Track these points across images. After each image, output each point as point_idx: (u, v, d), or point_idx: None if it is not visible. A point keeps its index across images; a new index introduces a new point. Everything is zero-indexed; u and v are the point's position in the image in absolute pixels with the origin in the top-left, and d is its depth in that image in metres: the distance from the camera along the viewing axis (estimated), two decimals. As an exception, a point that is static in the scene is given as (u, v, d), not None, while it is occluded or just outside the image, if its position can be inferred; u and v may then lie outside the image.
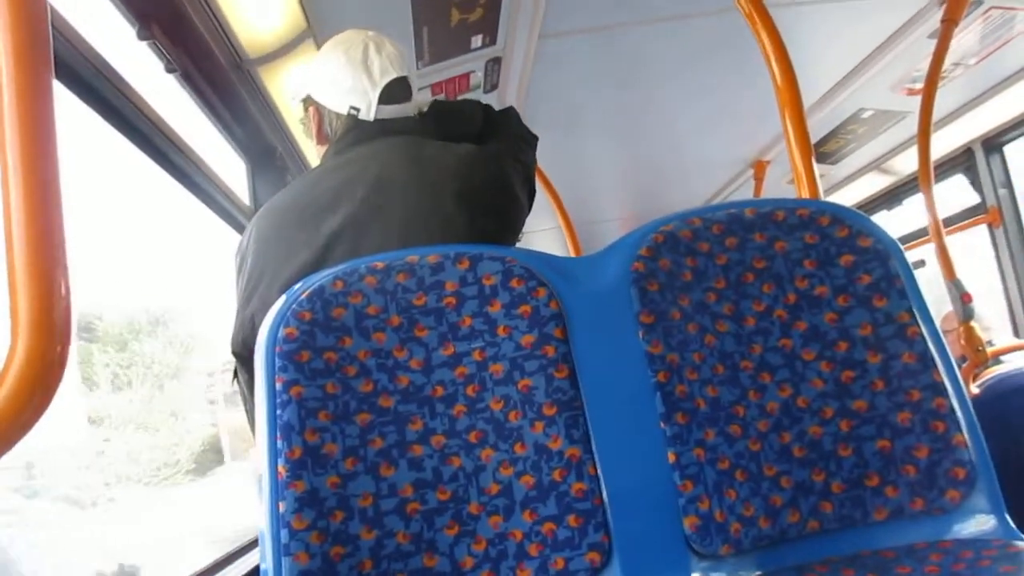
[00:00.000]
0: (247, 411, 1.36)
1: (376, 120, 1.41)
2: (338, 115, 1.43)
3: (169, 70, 1.73)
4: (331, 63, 1.44)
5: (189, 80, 1.86)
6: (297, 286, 1.06)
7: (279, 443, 0.97)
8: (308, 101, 1.48)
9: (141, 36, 1.60)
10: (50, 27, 0.67)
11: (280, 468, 0.96)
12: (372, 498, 0.97)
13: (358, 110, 1.41)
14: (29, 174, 0.63)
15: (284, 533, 0.94)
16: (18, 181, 0.62)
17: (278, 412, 0.98)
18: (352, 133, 1.41)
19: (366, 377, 1.02)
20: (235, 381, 1.41)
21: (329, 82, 1.43)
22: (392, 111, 1.42)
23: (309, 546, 0.93)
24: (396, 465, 0.99)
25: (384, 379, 1.02)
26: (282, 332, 1.01)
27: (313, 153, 2.59)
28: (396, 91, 1.43)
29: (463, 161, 1.37)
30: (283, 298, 1.05)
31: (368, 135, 1.40)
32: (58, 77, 0.69)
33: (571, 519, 0.99)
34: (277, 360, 1.00)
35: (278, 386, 0.99)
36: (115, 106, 1.56)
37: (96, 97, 1.50)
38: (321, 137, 1.47)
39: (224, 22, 1.81)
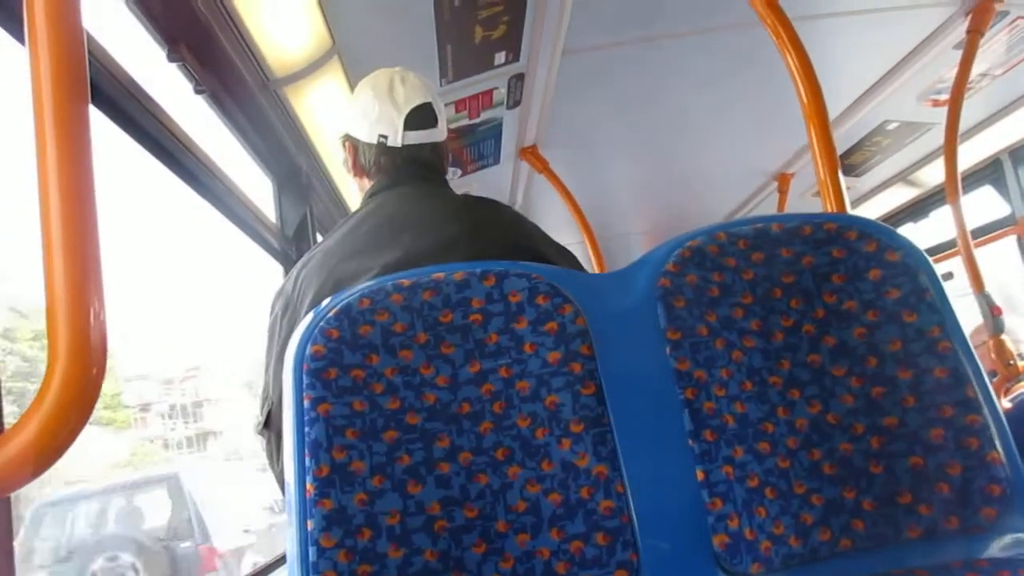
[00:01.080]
0: (275, 473, 1.37)
1: (405, 162, 1.46)
2: (369, 145, 1.49)
3: (198, 91, 1.76)
4: (361, 99, 1.51)
5: (217, 100, 1.89)
6: (324, 303, 1.07)
7: (307, 461, 0.97)
8: (345, 138, 1.54)
9: (171, 58, 1.63)
10: (87, 54, 0.68)
11: (308, 486, 0.96)
12: (399, 516, 0.97)
13: (386, 137, 1.47)
14: (67, 200, 0.64)
15: (312, 551, 0.94)
16: (56, 205, 0.64)
17: (306, 430, 0.98)
18: (384, 177, 1.47)
19: (393, 394, 1.02)
20: (262, 435, 1.41)
21: (361, 116, 1.50)
22: (418, 136, 1.47)
23: (337, 564, 0.93)
24: (423, 482, 0.99)
25: (411, 396, 1.03)
26: (310, 350, 1.02)
27: (339, 172, 2.63)
28: (421, 117, 1.48)
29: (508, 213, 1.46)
30: (311, 315, 1.06)
31: (399, 180, 1.46)
32: (92, 101, 0.71)
33: (599, 537, 0.98)
34: (305, 378, 1.01)
35: (305, 404, 1.00)
36: (145, 127, 1.59)
37: (127, 119, 1.53)
38: (357, 170, 1.53)
39: (251, 43, 1.83)
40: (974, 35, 2.37)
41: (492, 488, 1.00)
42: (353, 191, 1.57)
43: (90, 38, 1.31)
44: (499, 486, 1.00)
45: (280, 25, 1.86)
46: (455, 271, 1.09)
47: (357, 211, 1.46)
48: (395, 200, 1.41)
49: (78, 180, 0.65)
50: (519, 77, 2.47)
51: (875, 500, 1.02)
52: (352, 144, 1.52)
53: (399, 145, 1.46)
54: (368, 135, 1.48)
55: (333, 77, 2.10)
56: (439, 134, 1.50)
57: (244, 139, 2.14)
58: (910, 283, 1.10)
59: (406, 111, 1.46)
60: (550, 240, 1.44)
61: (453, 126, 2.62)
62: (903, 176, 3.87)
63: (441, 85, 2.34)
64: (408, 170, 1.46)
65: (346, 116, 1.54)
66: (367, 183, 1.51)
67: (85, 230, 0.65)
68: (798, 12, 1.74)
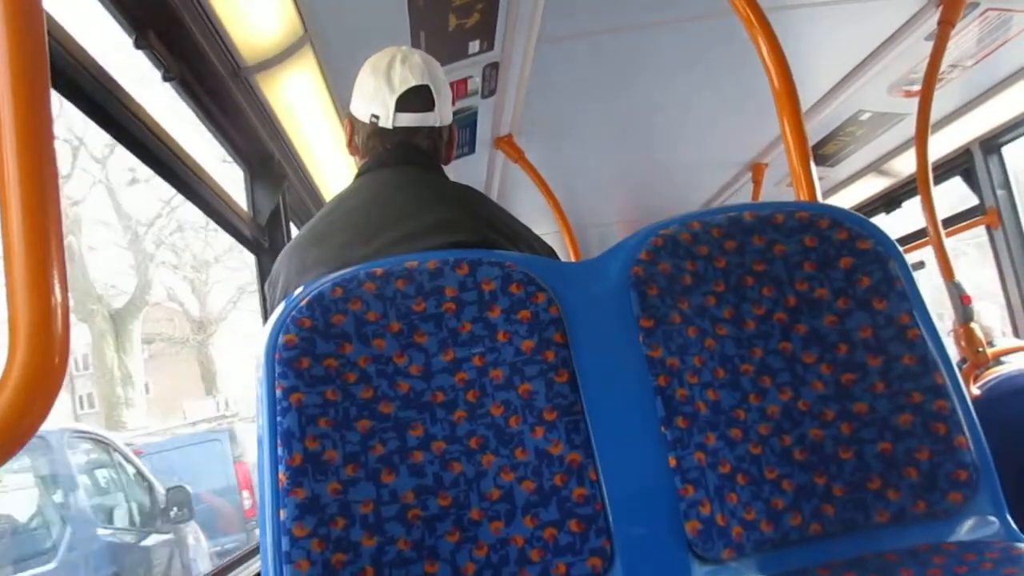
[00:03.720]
0: None
1: (396, 145, 1.44)
2: (363, 124, 1.47)
3: (166, 78, 1.73)
4: (361, 76, 1.49)
5: (186, 88, 1.86)
6: (296, 292, 1.06)
7: (279, 450, 0.97)
8: (348, 115, 1.52)
9: (138, 45, 1.60)
10: (47, 36, 0.66)
11: (281, 475, 0.96)
12: (373, 504, 0.97)
13: (378, 117, 1.44)
14: (27, 184, 0.63)
15: (285, 541, 0.93)
16: (16, 191, 0.62)
17: (278, 419, 0.98)
18: (371, 158, 1.45)
19: (366, 383, 1.02)
20: None
21: (358, 93, 1.48)
22: (411, 119, 1.44)
23: (310, 553, 0.93)
24: (397, 471, 0.99)
25: (384, 385, 1.02)
26: (282, 339, 1.01)
27: (312, 159, 2.60)
28: (415, 100, 1.44)
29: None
30: (282, 305, 1.05)
31: (384, 162, 1.44)
32: (55, 86, 0.69)
33: (572, 524, 0.98)
34: (277, 367, 1.00)
35: (278, 393, 0.99)
36: (113, 114, 1.56)
37: (94, 105, 1.50)
38: (352, 148, 1.52)
39: (221, 29, 1.81)
40: (945, 26, 2.39)
41: (466, 476, 1.00)
42: (328, 178, 1.56)
43: (54, 23, 1.28)
44: (473, 474, 1.00)
45: (251, 12, 1.84)
46: (428, 259, 1.08)
47: (340, 192, 1.45)
48: (375, 184, 1.40)
49: (39, 166, 0.64)
50: (494, 66, 2.46)
51: (845, 485, 1.03)
52: (350, 121, 1.51)
53: (390, 127, 1.43)
54: (363, 114, 1.46)
55: (306, 65, 2.07)
56: (436, 118, 1.46)
57: (215, 127, 2.11)
58: (880, 271, 1.11)
59: (400, 92, 1.43)
60: (526, 229, 1.44)
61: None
62: (876, 166, 3.90)
63: (415, 73, 2.32)
64: (397, 153, 1.43)
65: (353, 93, 1.52)
66: (360, 160, 1.50)
67: (46, 216, 0.63)
68: (772, 2, 1.75)
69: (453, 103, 2.62)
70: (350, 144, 1.52)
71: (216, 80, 1.92)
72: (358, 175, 1.45)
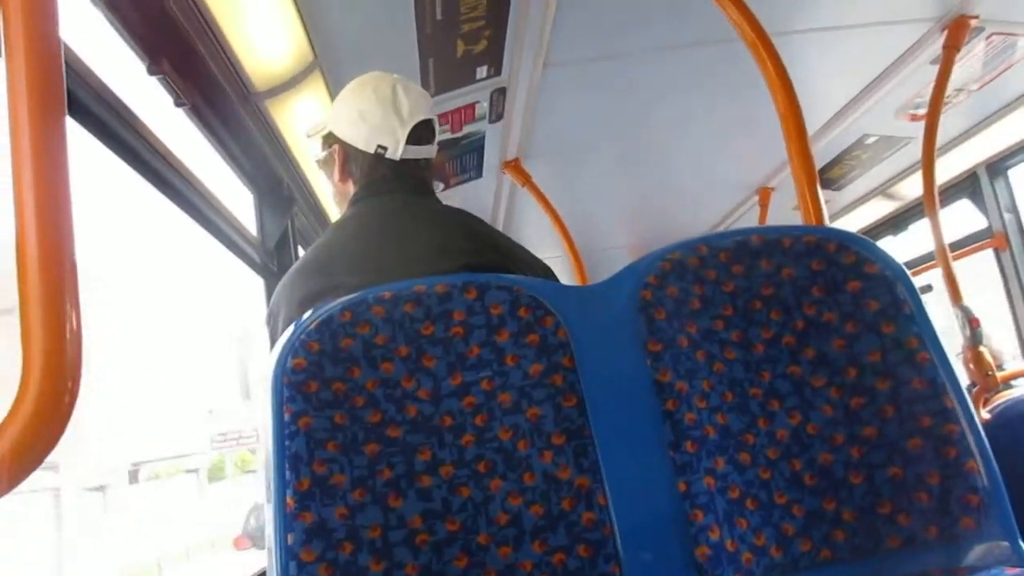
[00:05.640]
0: None
1: (398, 173, 1.43)
2: (364, 153, 1.44)
3: (178, 104, 1.75)
4: (359, 101, 1.45)
5: (198, 114, 1.87)
6: (306, 316, 1.07)
7: (287, 474, 0.97)
8: (330, 138, 1.48)
9: (151, 71, 1.62)
10: (63, 65, 0.68)
11: (288, 500, 0.96)
12: (381, 529, 0.96)
13: (385, 149, 1.42)
14: (43, 212, 0.63)
15: (293, 566, 0.93)
16: (32, 218, 0.63)
17: (286, 443, 0.98)
18: (369, 184, 1.44)
19: (374, 407, 1.02)
20: None
21: (357, 118, 1.44)
22: (416, 152, 1.44)
23: None
24: (405, 496, 0.99)
25: (392, 409, 1.02)
26: (290, 362, 1.01)
27: (319, 184, 2.62)
28: (422, 133, 1.45)
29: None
30: (291, 328, 1.06)
31: (383, 189, 1.43)
32: (70, 113, 0.70)
33: (581, 549, 0.98)
34: (285, 391, 1.00)
35: (286, 417, 0.99)
36: (126, 141, 1.57)
37: (107, 132, 1.51)
38: (344, 175, 1.49)
39: (233, 56, 1.83)
40: (950, 51, 2.40)
41: (474, 501, 1.00)
42: (336, 203, 1.56)
43: (69, 50, 1.30)
44: (481, 499, 1.00)
45: (262, 38, 1.86)
46: (437, 283, 1.09)
47: (338, 221, 1.45)
48: (378, 210, 1.39)
49: (54, 191, 0.65)
50: (501, 91, 2.48)
51: (855, 510, 1.02)
52: (343, 148, 1.47)
53: (397, 159, 1.42)
54: (365, 143, 1.44)
55: (315, 90, 2.10)
56: (434, 150, 1.48)
57: (225, 152, 2.13)
58: (888, 295, 1.11)
59: (411, 124, 1.42)
60: (524, 251, 1.44)
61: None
62: (882, 189, 3.91)
63: (423, 99, 2.34)
64: (398, 183, 1.43)
65: (335, 114, 1.48)
66: (350, 188, 1.47)
67: (61, 241, 0.64)
68: (777, 28, 1.76)
69: (461, 128, 2.65)
70: (341, 170, 1.48)
71: (227, 106, 1.94)
72: (353, 202, 1.44)
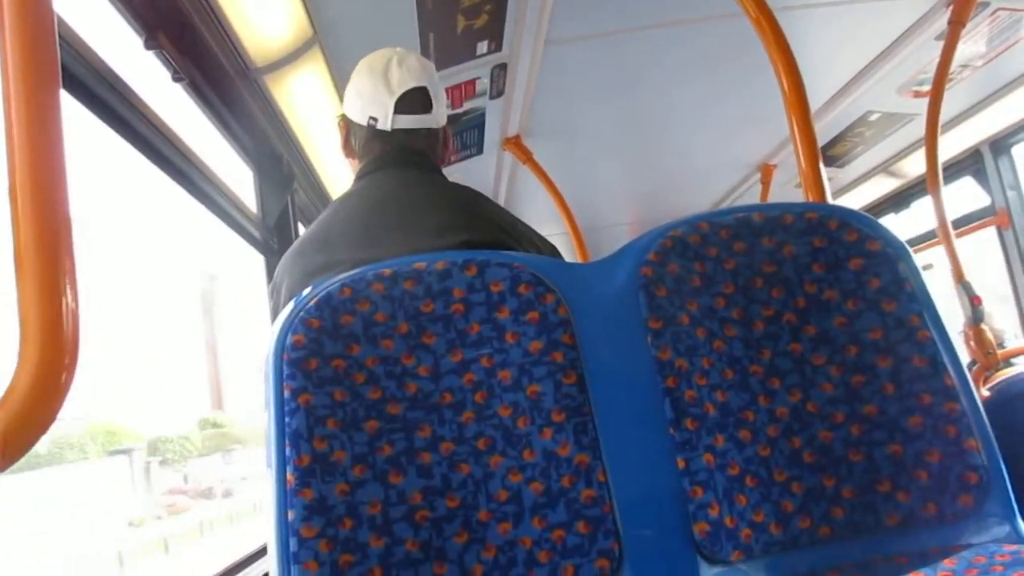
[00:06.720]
0: None
1: (395, 147, 1.43)
2: (360, 126, 1.46)
3: (176, 79, 1.74)
4: (357, 77, 1.48)
5: (196, 89, 1.86)
6: (305, 292, 1.06)
7: (287, 451, 0.97)
8: (341, 118, 1.52)
9: (148, 46, 1.60)
10: (57, 38, 0.67)
11: (289, 476, 0.96)
12: (381, 506, 0.97)
13: (376, 120, 1.44)
14: (37, 185, 0.63)
15: (293, 541, 0.93)
16: (26, 192, 0.63)
17: (286, 420, 0.98)
18: (371, 160, 1.44)
19: (374, 384, 1.02)
20: None
21: (355, 95, 1.47)
22: (410, 121, 1.44)
23: (318, 554, 0.93)
24: (405, 472, 0.99)
25: (392, 386, 1.02)
26: (290, 339, 1.01)
27: (320, 160, 2.61)
28: (413, 101, 1.44)
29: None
30: (291, 305, 1.05)
31: (386, 164, 1.43)
32: (65, 87, 0.69)
33: (580, 526, 0.98)
34: (285, 368, 1.00)
35: (286, 394, 0.99)
36: (122, 115, 1.56)
37: (103, 107, 1.50)
38: (347, 149, 1.51)
39: (231, 31, 1.81)
40: (955, 26, 2.38)
41: (474, 478, 1.00)
42: (336, 179, 1.56)
43: (64, 24, 1.29)
44: (481, 476, 1.00)
45: (261, 13, 1.84)
46: (437, 260, 1.08)
47: (340, 196, 1.45)
48: (377, 186, 1.40)
49: (50, 168, 0.64)
50: (502, 67, 2.46)
51: (854, 488, 1.03)
52: (345, 123, 1.50)
53: (389, 129, 1.43)
54: (360, 116, 1.46)
55: (314, 66, 2.08)
56: (433, 120, 1.47)
57: (224, 128, 2.12)
58: (890, 272, 1.10)
59: (398, 93, 1.43)
60: (529, 229, 1.44)
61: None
62: (885, 167, 3.89)
63: (424, 74, 2.32)
64: (396, 156, 1.43)
65: (346, 94, 1.52)
66: (357, 164, 1.49)
67: (57, 219, 0.64)
68: (780, 3, 1.74)
69: (461, 104, 2.63)
70: (345, 146, 1.51)
71: (225, 81, 1.92)
72: (357, 178, 1.45)
